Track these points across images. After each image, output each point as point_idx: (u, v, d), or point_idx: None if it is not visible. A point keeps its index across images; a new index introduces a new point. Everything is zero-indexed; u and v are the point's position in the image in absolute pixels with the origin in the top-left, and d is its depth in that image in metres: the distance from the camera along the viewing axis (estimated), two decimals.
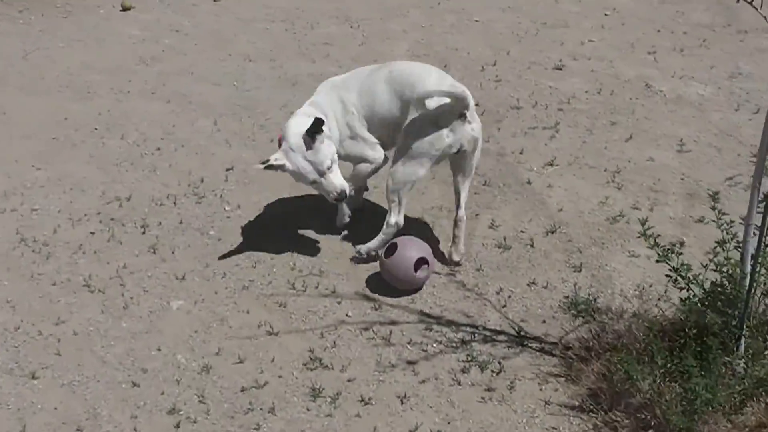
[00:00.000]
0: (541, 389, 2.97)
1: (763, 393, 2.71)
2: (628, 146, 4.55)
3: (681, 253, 2.88)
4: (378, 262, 3.49)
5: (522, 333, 3.21)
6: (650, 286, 3.43)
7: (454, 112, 3.34)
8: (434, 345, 3.18)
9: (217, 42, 6.06)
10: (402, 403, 2.93)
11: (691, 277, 2.83)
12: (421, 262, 3.38)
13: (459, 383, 2.99)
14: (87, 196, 4.15)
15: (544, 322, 3.29)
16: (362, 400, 2.93)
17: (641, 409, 2.74)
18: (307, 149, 3.32)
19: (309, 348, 3.16)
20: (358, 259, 3.61)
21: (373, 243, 3.58)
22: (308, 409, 2.91)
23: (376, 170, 3.64)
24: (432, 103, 3.34)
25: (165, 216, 3.97)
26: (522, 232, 3.83)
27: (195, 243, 3.79)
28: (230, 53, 5.85)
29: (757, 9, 2.41)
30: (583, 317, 3.25)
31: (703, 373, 2.61)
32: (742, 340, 2.77)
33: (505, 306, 3.38)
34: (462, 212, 3.57)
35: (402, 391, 2.97)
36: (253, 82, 5.39)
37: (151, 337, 3.24)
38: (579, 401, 2.89)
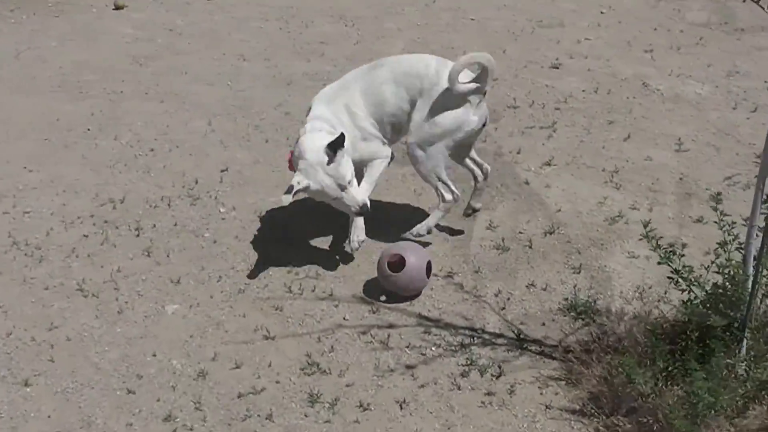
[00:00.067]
0: (541, 393, 2.93)
1: (766, 395, 2.69)
2: (626, 145, 4.52)
3: (683, 255, 2.86)
4: (381, 275, 3.38)
5: (521, 336, 3.18)
6: (650, 287, 3.39)
7: (482, 84, 3.42)
8: (433, 349, 3.14)
9: (211, 41, 6.01)
10: (401, 408, 2.89)
11: (693, 279, 2.81)
12: (429, 264, 3.37)
13: (458, 387, 2.95)
14: (80, 198, 4.10)
15: (543, 324, 3.25)
16: (361, 406, 2.89)
17: (643, 413, 2.71)
18: (328, 163, 3.27)
19: (306, 352, 3.12)
20: (415, 238, 3.64)
21: (432, 220, 3.65)
22: (306, 416, 2.87)
23: (386, 166, 3.63)
24: (463, 78, 3.39)
25: (159, 218, 3.93)
26: (520, 233, 3.80)
27: (190, 245, 3.74)
28: (224, 52, 5.80)
29: (763, 9, 2.38)
30: (583, 319, 3.22)
31: (705, 375, 2.58)
32: (744, 342, 2.75)
33: (503, 308, 3.34)
34: (485, 165, 3.77)
35: (401, 396, 2.93)
36: (248, 81, 5.35)
37: (146, 342, 3.19)
38: (580, 405, 2.86)
